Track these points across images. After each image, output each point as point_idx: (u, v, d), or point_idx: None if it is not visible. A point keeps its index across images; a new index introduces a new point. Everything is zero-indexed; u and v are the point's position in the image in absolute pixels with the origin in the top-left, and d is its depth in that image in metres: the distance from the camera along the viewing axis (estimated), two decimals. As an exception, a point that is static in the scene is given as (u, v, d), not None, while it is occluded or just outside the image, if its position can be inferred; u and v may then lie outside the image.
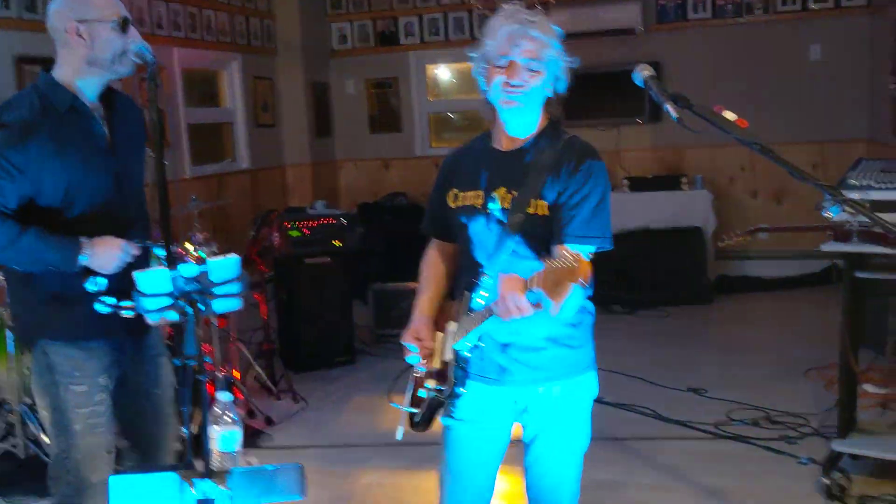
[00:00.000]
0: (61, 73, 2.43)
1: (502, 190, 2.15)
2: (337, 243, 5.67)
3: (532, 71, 2.08)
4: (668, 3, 7.60)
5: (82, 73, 2.41)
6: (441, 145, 8.58)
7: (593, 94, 7.61)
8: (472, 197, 2.20)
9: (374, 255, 7.43)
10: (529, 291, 1.79)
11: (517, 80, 2.07)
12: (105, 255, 2.34)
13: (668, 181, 7.36)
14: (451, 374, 2.17)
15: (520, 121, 2.16)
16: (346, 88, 8.68)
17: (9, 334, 3.87)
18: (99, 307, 2.11)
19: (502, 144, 2.21)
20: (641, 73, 2.03)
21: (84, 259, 2.33)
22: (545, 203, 2.10)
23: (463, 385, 2.18)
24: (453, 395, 2.18)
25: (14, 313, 2.54)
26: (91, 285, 2.30)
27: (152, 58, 2.27)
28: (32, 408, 3.94)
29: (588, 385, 2.29)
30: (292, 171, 8.27)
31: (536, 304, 1.81)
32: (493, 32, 2.09)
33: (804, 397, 4.64)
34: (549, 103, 2.18)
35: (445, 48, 8.27)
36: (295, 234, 5.58)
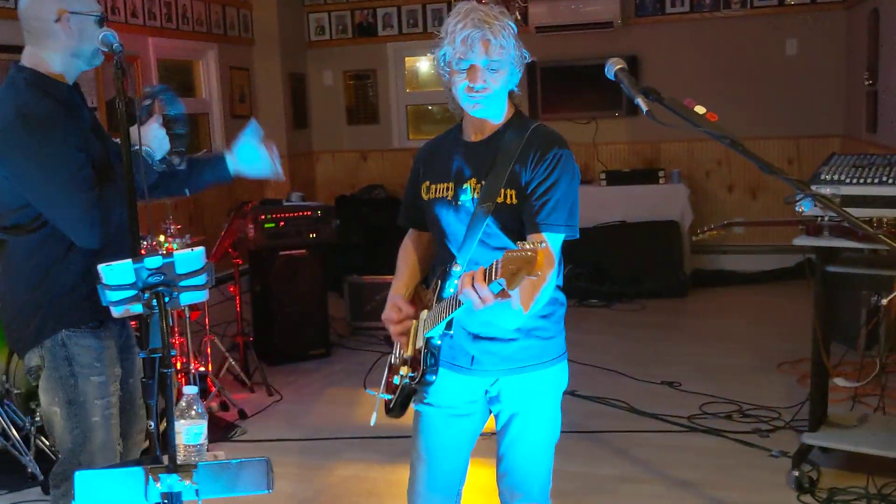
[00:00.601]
0: (38, 62, 2.42)
1: (472, 181, 2.17)
2: (312, 235, 5.65)
3: (493, 71, 2.09)
4: (646, -3, 7.62)
5: (65, 64, 2.44)
6: (419, 137, 8.56)
7: (571, 87, 7.65)
8: (443, 189, 2.23)
9: (351, 248, 7.41)
10: (492, 282, 1.79)
11: (479, 83, 2.08)
12: (150, 135, 2.46)
13: (645, 175, 7.39)
14: (423, 362, 2.18)
15: (486, 115, 2.18)
16: (323, 80, 8.63)
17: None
18: (116, 309, 2.08)
19: (471, 136, 2.23)
20: (613, 66, 2.02)
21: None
22: (512, 192, 2.11)
23: (434, 373, 2.20)
24: (425, 383, 2.20)
25: (24, 308, 2.46)
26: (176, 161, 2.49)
27: (119, 45, 2.24)
28: (2, 400, 3.90)
29: (558, 376, 2.30)
30: (269, 163, 8.19)
31: (500, 293, 1.81)
32: (451, 36, 2.09)
33: (777, 391, 4.67)
34: (511, 94, 2.20)
35: (424, 40, 8.21)
36: (270, 225, 5.54)
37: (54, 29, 2.39)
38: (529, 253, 1.71)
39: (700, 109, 1.88)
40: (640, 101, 1.91)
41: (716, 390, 4.68)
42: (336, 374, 5.38)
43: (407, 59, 8.53)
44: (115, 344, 2.54)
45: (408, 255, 2.44)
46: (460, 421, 2.32)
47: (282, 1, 8.11)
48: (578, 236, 2.16)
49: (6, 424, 3.84)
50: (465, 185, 2.18)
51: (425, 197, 2.28)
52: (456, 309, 2.00)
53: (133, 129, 2.34)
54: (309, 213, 5.70)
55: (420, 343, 2.21)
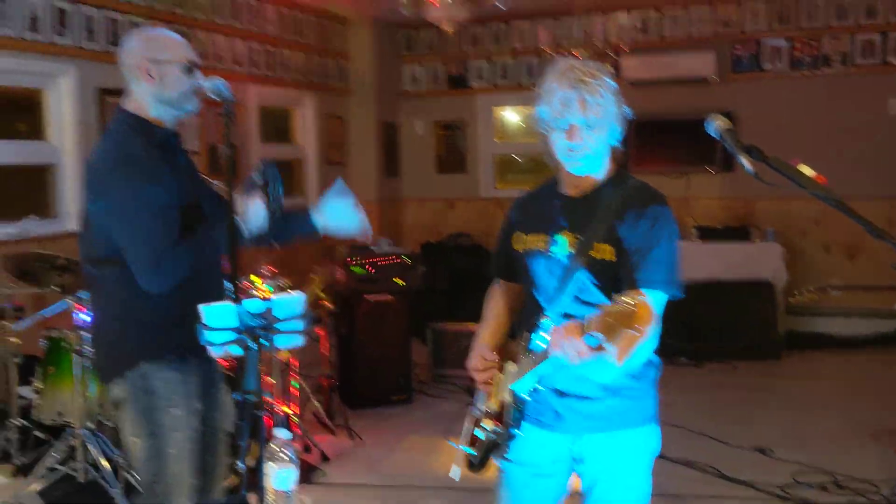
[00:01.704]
0: (137, 108, 2.55)
1: (567, 234, 2.16)
2: (399, 281, 5.69)
3: (590, 129, 2.08)
4: (744, 54, 7.52)
5: (155, 110, 2.53)
6: (506, 187, 8.59)
7: (664, 140, 7.57)
8: (536, 240, 2.22)
9: (436, 295, 7.44)
10: (588, 335, 1.77)
11: (577, 141, 2.09)
12: (252, 211, 2.47)
13: (738, 232, 7.23)
14: (508, 416, 2.14)
15: (586, 172, 2.18)
16: (415, 129, 8.78)
17: (75, 358, 3.96)
18: (215, 350, 2.11)
19: (569, 191, 2.22)
20: (716, 124, 2.00)
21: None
22: (610, 248, 2.09)
23: (519, 427, 2.15)
24: (509, 437, 2.16)
25: (108, 339, 2.55)
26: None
27: (229, 95, 2.33)
28: (94, 432, 4.01)
29: (648, 439, 2.24)
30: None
31: (597, 348, 1.78)
32: (549, 96, 2.10)
33: (873, 462, 4.45)
34: (612, 150, 2.19)
35: (514, 92, 8.31)
36: (358, 270, 5.62)
37: (140, 76, 2.50)
38: (629, 306, 1.68)
39: (807, 170, 1.84)
40: (745, 161, 1.87)
41: (809, 458, 4.48)
42: (417, 421, 5.37)
43: (496, 109, 8.61)
44: (197, 378, 2.56)
45: (495, 305, 2.43)
46: (544, 481, 2.27)
47: (378, 53, 8.31)
48: (682, 295, 2.11)
49: (97, 456, 3.95)
50: (560, 239, 2.16)
51: (517, 248, 2.27)
52: (545, 361, 1.98)
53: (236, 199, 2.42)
54: (396, 259, 5.76)
55: (505, 396, 2.17)
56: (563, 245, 2.15)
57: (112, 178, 2.42)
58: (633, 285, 2.04)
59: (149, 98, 2.52)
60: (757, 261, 7.01)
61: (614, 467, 2.21)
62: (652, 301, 2.02)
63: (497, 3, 4.39)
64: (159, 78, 2.49)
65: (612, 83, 2.13)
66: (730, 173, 7.42)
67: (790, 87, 7.41)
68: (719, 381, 6.19)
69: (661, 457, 4.70)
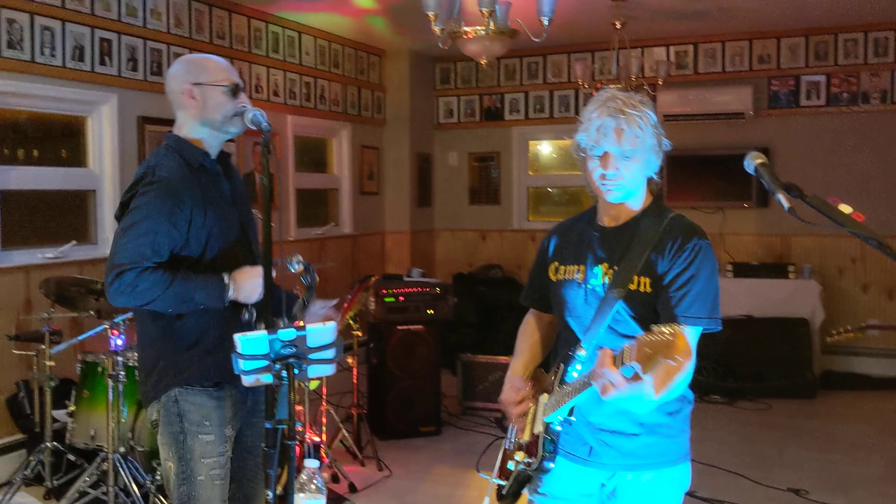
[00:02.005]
0: (181, 131, 2.59)
1: (603, 265, 2.15)
2: (430, 312, 5.70)
3: (626, 159, 2.08)
4: (781, 89, 7.49)
5: (198, 133, 2.56)
6: (539, 219, 8.59)
7: (699, 175, 7.55)
8: (573, 271, 2.21)
9: (466, 326, 7.43)
10: (624, 366, 1.75)
11: (611, 170, 2.09)
12: (248, 284, 2.44)
13: (774, 269, 7.15)
14: (541, 448, 2.13)
15: (621, 200, 2.16)
16: (448, 160, 8.83)
17: (109, 382, 4.00)
18: (247, 378, 2.11)
19: (605, 221, 2.22)
20: (753, 160, 1.99)
21: (230, 293, 2.43)
22: (647, 280, 2.08)
23: (552, 460, 2.14)
24: (542, 470, 2.15)
25: (145, 363, 2.57)
26: (246, 315, 2.42)
27: (267, 125, 2.36)
28: (126, 456, 4.04)
29: (680, 477, 2.20)
30: (391, 238, 8.40)
31: (632, 378, 1.76)
32: (588, 123, 2.10)
33: (916, 508, 4.34)
34: (649, 181, 2.19)
35: (549, 125, 8.34)
36: (390, 300, 5.63)
37: (183, 100, 2.54)
38: (668, 336, 1.66)
39: (845, 209, 1.82)
40: (782, 198, 1.86)
41: (844, 501, 4.38)
42: (445, 452, 5.34)
43: (531, 142, 8.63)
44: (233, 405, 2.56)
45: (528, 336, 2.42)
46: None
47: (414, 84, 8.40)
48: (721, 328, 2.08)
49: (128, 480, 3.97)
50: (596, 269, 2.15)
51: (553, 277, 2.27)
52: (580, 393, 1.96)
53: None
54: (428, 289, 5.76)
55: (539, 428, 2.16)
56: (599, 276, 2.14)
57: (140, 191, 2.46)
58: (671, 318, 2.02)
59: (193, 121, 2.55)
60: (793, 298, 6.92)
61: None
62: (690, 334, 2.00)
63: (532, 37, 4.42)
64: (202, 100, 2.52)
65: (653, 115, 2.12)
66: (766, 209, 7.37)
67: (827, 124, 7.35)
68: (753, 419, 6.09)
69: (693, 495, 4.64)
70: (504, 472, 2.25)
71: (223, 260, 2.50)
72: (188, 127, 2.56)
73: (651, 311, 2.08)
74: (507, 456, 2.27)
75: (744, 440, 5.56)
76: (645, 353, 1.68)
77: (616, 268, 2.12)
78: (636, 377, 1.74)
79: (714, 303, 2.08)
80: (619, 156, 2.08)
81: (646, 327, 1.97)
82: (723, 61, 7.62)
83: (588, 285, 2.16)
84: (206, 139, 2.57)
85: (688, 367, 1.98)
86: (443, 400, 5.87)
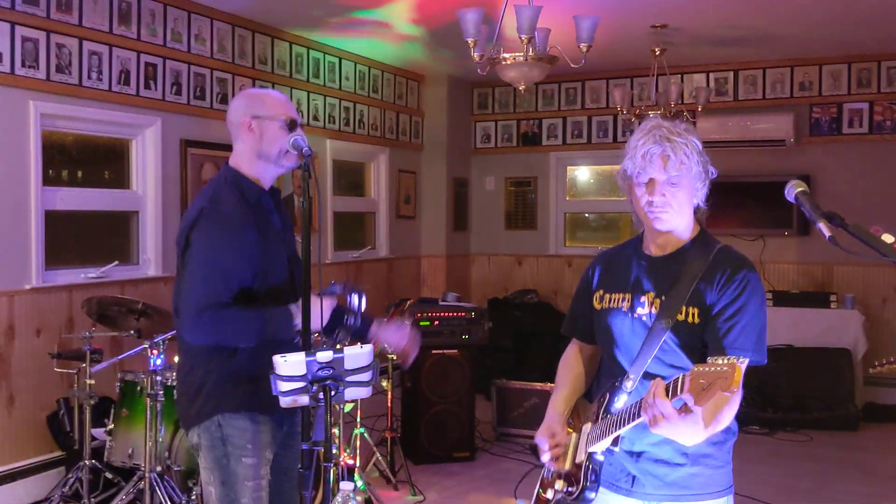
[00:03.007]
0: (238, 163, 2.64)
1: (650, 295, 2.14)
2: (465, 336, 5.69)
3: (672, 185, 2.08)
4: (823, 117, 7.41)
5: (254, 166, 2.62)
6: (575, 245, 8.55)
7: (739, 202, 7.48)
8: (618, 299, 2.20)
9: (501, 351, 7.40)
10: (676, 398, 1.73)
11: (657, 197, 2.08)
12: (315, 314, 2.46)
13: (815, 298, 7.04)
14: (584, 477, 2.11)
15: (668, 229, 2.15)
16: (485, 185, 8.84)
17: (148, 402, 4.05)
18: (284, 399, 2.12)
19: (652, 250, 2.20)
20: (794, 188, 1.97)
21: (297, 323, 2.45)
22: (695, 310, 2.07)
23: (595, 490, 2.12)
24: (583, 500, 2.12)
25: (190, 387, 2.60)
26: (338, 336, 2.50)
27: (308, 149, 2.40)
28: (162, 476, 4.07)
29: None
30: (427, 262, 8.42)
31: (682, 409, 1.74)
32: (633, 151, 2.11)
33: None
34: (696, 210, 2.17)
35: (587, 150, 8.32)
36: (425, 323, 5.63)
37: (242, 132, 2.60)
38: (725, 368, 1.64)
39: (888, 238, 1.79)
40: (823, 227, 1.84)
41: (891, 539, 4.27)
42: (479, 479, 5.30)
43: (568, 167, 8.61)
44: (271, 429, 2.58)
45: (570, 368, 2.40)
46: None
47: (452, 110, 8.45)
48: (766, 362, 2.08)
49: (164, 500, 4.00)
50: (643, 299, 2.14)
51: (598, 306, 2.25)
52: (629, 425, 1.95)
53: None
54: (463, 313, 5.76)
55: (581, 457, 2.14)
56: (646, 305, 2.13)
57: (201, 228, 2.50)
58: (720, 349, 2.00)
59: (250, 153, 2.61)
60: (835, 328, 6.80)
61: None
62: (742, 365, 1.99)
63: (571, 63, 4.43)
64: (259, 133, 2.58)
65: (698, 143, 2.13)
66: (807, 237, 7.28)
67: (869, 152, 7.26)
68: (793, 451, 5.97)
69: (732, 528, 4.53)
70: (540, 501, 2.24)
71: (271, 294, 2.54)
72: (246, 159, 2.62)
73: (699, 341, 2.06)
74: (546, 485, 2.26)
75: (784, 472, 5.46)
76: (699, 384, 1.67)
77: (663, 298, 2.10)
78: (686, 409, 1.72)
79: (761, 335, 2.06)
80: (666, 183, 2.07)
81: (693, 358, 2.00)
82: (763, 88, 7.57)
83: (634, 314, 2.14)
84: (261, 174, 2.63)
85: (737, 401, 1.95)
86: (477, 426, 5.84)
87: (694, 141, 2.11)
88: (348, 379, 1.73)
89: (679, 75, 7.53)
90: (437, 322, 5.66)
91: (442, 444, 5.58)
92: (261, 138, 2.59)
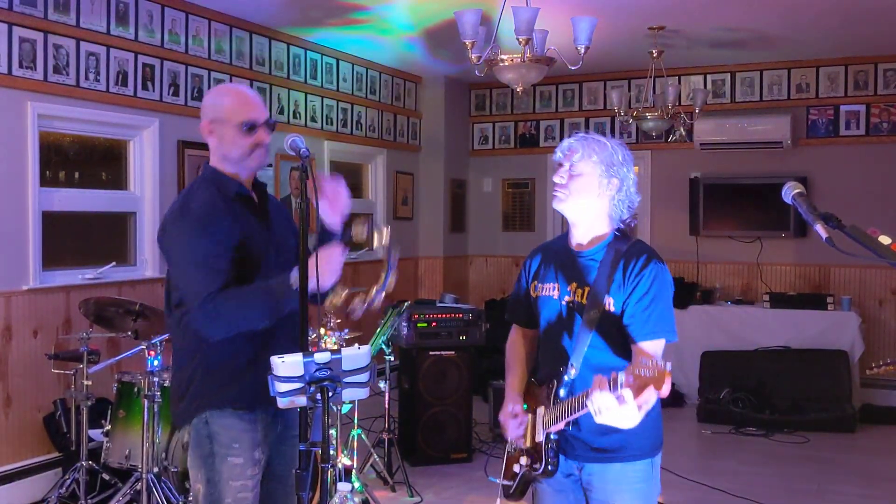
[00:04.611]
0: (216, 161, 2.64)
1: (574, 285, 2.44)
2: (462, 337, 5.69)
3: (573, 174, 2.40)
4: (820, 118, 7.43)
5: (225, 167, 2.61)
6: (574, 247, 8.55)
7: (735, 204, 7.50)
8: (549, 288, 2.50)
9: (497, 353, 7.38)
10: (614, 390, 1.99)
11: (557, 178, 2.44)
12: (326, 268, 2.42)
13: (812, 300, 7.05)
14: (545, 455, 2.39)
15: (574, 220, 2.48)
16: (483, 186, 8.85)
17: (145, 403, 4.04)
18: (282, 400, 2.08)
19: (576, 244, 2.51)
20: (791, 190, 1.98)
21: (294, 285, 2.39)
22: (612, 300, 2.36)
23: (557, 465, 2.41)
24: (548, 473, 2.41)
25: (179, 385, 2.60)
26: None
27: (306, 151, 2.40)
28: (159, 477, 4.07)
29: (647, 472, 2.43)
30: (425, 263, 8.42)
31: (622, 402, 2.01)
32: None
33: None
34: (612, 217, 2.46)
35: (584, 152, 8.31)
36: (422, 325, 5.63)
37: (205, 136, 2.61)
38: (656, 374, 1.92)
39: (885, 240, 1.80)
40: (820, 228, 1.85)
41: (887, 540, 4.28)
42: (476, 480, 5.30)
43: (566, 169, 8.61)
44: (263, 428, 2.56)
45: (517, 352, 2.69)
46: (563, 495, 2.51)
47: (449, 112, 8.46)
48: (676, 339, 2.38)
49: (161, 501, 4.00)
50: (569, 288, 2.44)
51: (534, 294, 2.55)
52: (577, 413, 2.21)
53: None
54: (460, 315, 5.76)
55: (540, 437, 2.41)
56: (572, 294, 2.42)
57: (171, 229, 2.52)
58: (642, 336, 2.32)
59: (217, 155, 2.61)
60: (832, 330, 6.81)
61: (615, 498, 2.40)
62: (658, 349, 2.32)
63: (569, 65, 4.43)
64: (219, 137, 2.58)
65: (620, 153, 2.42)
66: (804, 238, 7.29)
67: (866, 153, 7.27)
68: (790, 453, 5.98)
69: (729, 530, 4.52)
70: (508, 475, 2.55)
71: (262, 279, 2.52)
72: (217, 160, 2.63)
73: (617, 328, 2.35)
74: (511, 460, 2.55)
75: (781, 474, 5.46)
76: (637, 384, 1.94)
77: (587, 289, 2.39)
78: (625, 400, 1.98)
79: (672, 318, 2.38)
80: (567, 170, 2.42)
81: (614, 342, 2.35)
82: (760, 90, 7.58)
83: (562, 301, 2.45)
84: (237, 172, 2.61)
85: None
86: (474, 427, 5.84)
87: (615, 149, 2.40)
88: (346, 380, 1.73)
89: (676, 77, 7.53)
90: (434, 323, 5.66)
91: (439, 446, 5.58)
92: (220, 142, 2.58)
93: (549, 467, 2.39)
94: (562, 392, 2.36)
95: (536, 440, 2.43)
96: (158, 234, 2.60)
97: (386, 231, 2.58)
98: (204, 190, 2.56)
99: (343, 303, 2.54)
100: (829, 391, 6.59)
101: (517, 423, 2.48)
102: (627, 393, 1.95)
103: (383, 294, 2.53)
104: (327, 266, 2.40)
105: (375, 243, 2.58)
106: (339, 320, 4.50)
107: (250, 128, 2.55)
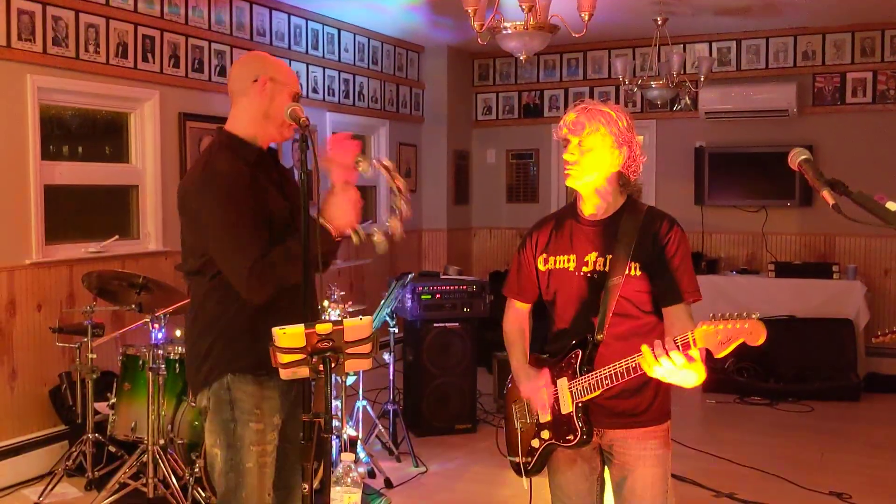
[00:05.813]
0: (233, 126, 2.61)
1: (594, 255, 2.42)
2: (466, 309, 5.69)
3: (584, 151, 2.38)
4: (826, 86, 7.35)
5: (255, 126, 2.58)
6: (578, 218, 8.52)
7: (740, 173, 7.45)
8: (563, 260, 2.48)
9: (501, 324, 7.39)
10: (686, 351, 2.06)
11: (567, 155, 2.42)
12: (338, 213, 2.53)
13: (817, 269, 7.02)
14: (580, 425, 2.38)
15: (588, 194, 2.46)
16: (486, 158, 8.80)
17: (150, 375, 4.05)
18: (284, 372, 2.07)
19: (589, 214, 2.49)
20: (797, 156, 1.95)
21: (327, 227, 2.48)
22: (637, 265, 2.37)
23: (592, 434, 2.40)
24: (584, 443, 2.40)
25: (199, 353, 2.58)
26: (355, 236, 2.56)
27: (307, 120, 2.37)
28: (165, 449, 4.09)
29: (664, 437, 2.47)
30: (428, 236, 8.40)
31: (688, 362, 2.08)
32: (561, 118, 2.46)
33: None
34: (625, 182, 2.46)
35: (588, 122, 8.26)
36: (426, 297, 5.63)
37: (254, 89, 2.56)
38: (747, 325, 1.98)
39: (892, 206, 1.77)
40: (827, 195, 1.83)
41: (891, 507, 4.29)
42: (481, 451, 5.32)
43: (570, 140, 8.56)
44: (281, 394, 2.57)
45: (520, 328, 2.68)
46: (580, 463, 2.52)
47: (452, 82, 8.39)
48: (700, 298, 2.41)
49: (167, 472, 4.02)
50: (586, 258, 2.43)
51: (543, 268, 2.52)
52: (627, 378, 2.22)
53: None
54: (464, 287, 5.75)
55: (568, 409, 2.41)
56: (590, 264, 2.41)
57: (207, 196, 2.48)
58: (677, 299, 2.35)
59: (255, 112, 2.58)
60: (837, 299, 6.80)
61: (637, 464, 2.43)
62: (690, 312, 2.35)
63: (573, 33, 4.38)
64: (271, 95, 2.57)
65: (623, 119, 2.40)
66: (809, 207, 7.25)
67: (873, 121, 7.21)
68: (795, 422, 5.99)
69: (734, 497, 4.58)
70: (525, 450, 2.54)
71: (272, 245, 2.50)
72: (247, 118, 2.59)
73: (644, 292, 2.36)
74: (526, 435, 2.54)
75: (786, 443, 5.47)
76: (717, 339, 2.01)
77: (610, 257, 2.38)
78: (694, 359, 2.07)
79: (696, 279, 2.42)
80: (576, 145, 2.40)
81: (640, 307, 2.36)
82: (766, 58, 7.50)
83: (579, 273, 2.43)
84: (259, 135, 2.60)
85: None
86: (479, 398, 5.86)
87: (619, 116, 2.39)
88: (348, 351, 1.73)
89: (681, 45, 7.46)
90: (438, 295, 5.66)
91: (444, 417, 5.60)
92: (271, 101, 2.57)
93: (584, 437, 2.39)
94: (589, 360, 2.38)
95: (563, 412, 2.42)
96: (179, 202, 2.56)
97: (386, 160, 2.64)
98: (225, 154, 2.55)
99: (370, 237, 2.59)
100: (834, 360, 6.59)
101: (547, 395, 2.46)
102: (695, 352, 2.02)
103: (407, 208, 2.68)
104: (348, 204, 2.50)
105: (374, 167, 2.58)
106: (342, 293, 4.49)
107: (296, 97, 2.61)
